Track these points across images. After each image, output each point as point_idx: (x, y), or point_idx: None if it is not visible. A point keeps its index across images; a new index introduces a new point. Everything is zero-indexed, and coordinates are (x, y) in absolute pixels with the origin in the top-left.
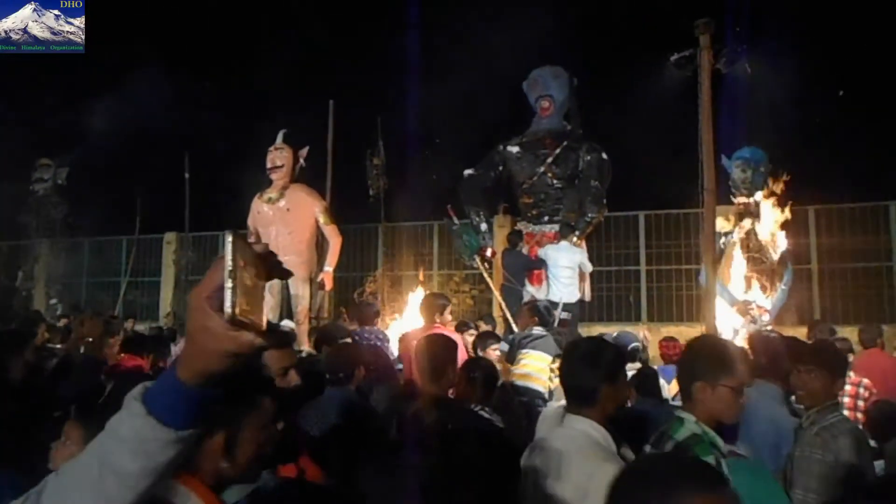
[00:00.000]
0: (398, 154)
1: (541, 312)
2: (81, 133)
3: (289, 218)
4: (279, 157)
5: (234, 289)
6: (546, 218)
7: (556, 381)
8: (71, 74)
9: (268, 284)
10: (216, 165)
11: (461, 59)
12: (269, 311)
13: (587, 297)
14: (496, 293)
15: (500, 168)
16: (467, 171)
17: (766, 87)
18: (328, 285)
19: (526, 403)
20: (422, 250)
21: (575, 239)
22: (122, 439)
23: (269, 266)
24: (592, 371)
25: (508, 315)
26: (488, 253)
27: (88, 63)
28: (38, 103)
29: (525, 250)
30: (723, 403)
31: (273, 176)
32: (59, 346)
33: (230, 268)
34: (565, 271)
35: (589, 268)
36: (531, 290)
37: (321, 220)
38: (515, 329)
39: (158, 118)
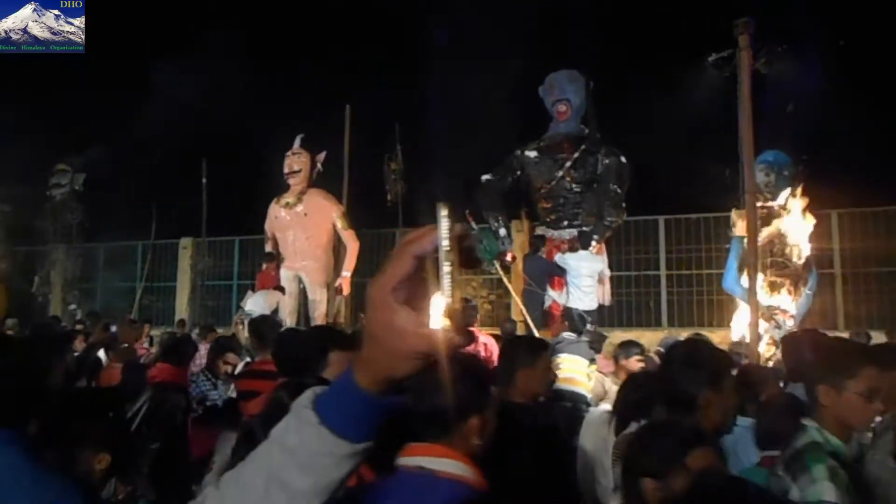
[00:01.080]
0: (415, 158)
1: (573, 319)
2: (98, 138)
3: (306, 222)
4: (297, 161)
5: (451, 274)
6: (565, 223)
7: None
8: (87, 78)
9: (288, 290)
10: (233, 170)
11: (480, 62)
12: (288, 317)
13: (607, 302)
14: (516, 297)
15: (518, 173)
16: (485, 177)
17: (789, 88)
18: (345, 290)
19: (570, 408)
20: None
21: (594, 244)
22: (292, 452)
23: (466, 251)
24: (691, 374)
25: (529, 320)
26: (508, 257)
27: (105, 67)
28: (56, 108)
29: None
30: (850, 408)
31: (290, 181)
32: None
33: (446, 247)
34: (586, 280)
35: (607, 273)
36: (553, 295)
37: (339, 224)
38: (536, 333)
39: (175, 123)
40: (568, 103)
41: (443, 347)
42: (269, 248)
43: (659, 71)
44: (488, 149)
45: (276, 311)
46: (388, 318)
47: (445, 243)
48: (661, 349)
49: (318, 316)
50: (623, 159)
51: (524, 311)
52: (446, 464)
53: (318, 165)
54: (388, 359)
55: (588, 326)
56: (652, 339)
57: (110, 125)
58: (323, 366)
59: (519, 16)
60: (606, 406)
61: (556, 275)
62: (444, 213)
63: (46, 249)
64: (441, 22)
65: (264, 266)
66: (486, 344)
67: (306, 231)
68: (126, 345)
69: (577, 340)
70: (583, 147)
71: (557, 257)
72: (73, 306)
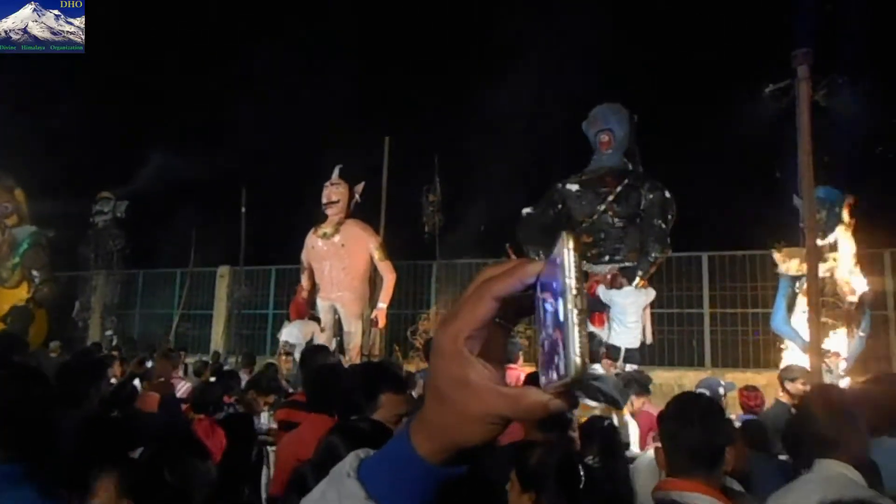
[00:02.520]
0: (453, 191)
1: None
2: (140, 166)
3: (343, 253)
4: (335, 192)
5: (582, 324)
6: (606, 258)
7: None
8: (128, 108)
9: (324, 321)
10: (271, 199)
11: (522, 95)
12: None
13: (649, 340)
14: None
15: (560, 206)
16: (526, 210)
17: (848, 120)
18: (381, 322)
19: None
20: None
21: (638, 280)
22: None
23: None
24: (718, 430)
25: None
26: None
27: (147, 96)
28: (99, 137)
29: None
30: None
31: (328, 211)
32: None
33: (575, 289)
34: (632, 316)
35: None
36: (594, 331)
37: (376, 255)
38: None
39: (216, 151)
40: (611, 133)
41: (533, 411)
42: (304, 278)
43: (705, 103)
44: (528, 181)
45: (310, 342)
46: (462, 374)
47: (574, 283)
48: (705, 390)
49: (353, 348)
50: (668, 194)
51: None
52: (701, 499)
53: (357, 196)
54: (458, 423)
55: (630, 366)
56: (693, 379)
57: (152, 154)
58: (372, 408)
59: (563, 47)
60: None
61: (598, 311)
62: (570, 245)
63: (88, 275)
64: (483, 54)
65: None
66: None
67: (343, 262)
68: (162, 378)
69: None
70: (626, 181)
71: (601, 291)
72: (109, 332)
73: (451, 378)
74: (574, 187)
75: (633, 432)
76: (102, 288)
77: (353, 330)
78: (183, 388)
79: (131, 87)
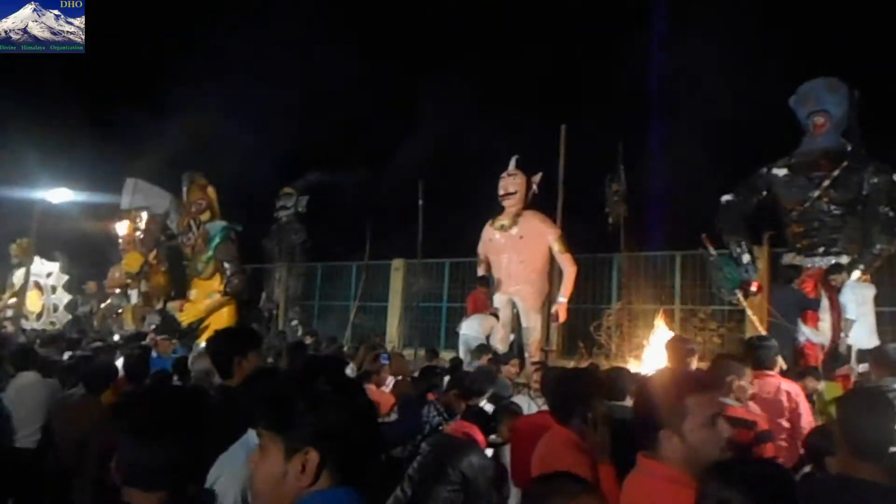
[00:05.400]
0: (637, 180)
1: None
2: (321, 161)
3: (521, 245)
4: (512, 183)
5: None
6: (821, 249)
7: None
8: (316, 106)
9: (502, 316)
10: (446, 192)
11: (712, 73)
12: (500, 343)
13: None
14: (763, 332)
15: (765, 193)
16: (725, 197)
17: None
18: (562, 317)
19: None
20: (662, 282)
21: (859, 274)
22: None
23: None
24: None
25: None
26: (753, 287)
27: (329, 94)
28: (281, 133)
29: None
30: None
31: (505, 202)
32: None
33: None
34: (850, 314)
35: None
36: (806, 332)
37: (555, 248)
38: None
39: (394, 144)
40: (827, 115)
41: None
42: (481, 271)
43: None
44: (721, 167)
45: (489, 337)
46: None
47: None
48: None
49: (533, 343)
50: None
51: None
52: None
53: (534, 187)
54: None
55: (863, 368)
56: None
57: (332, 149)
58: None
59: (761, 14)
60: None
61: (811, 309)
62: None
63: (272, 267)
64: (667, 29)
65: (477, 288)
66: (790, 392)
67: (521, 254)
68: (401, 377)
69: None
70: (844, 164)
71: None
72: (294, 322)
73: None
74: (782, 172)
75: None
76: (285, 280)
77: (533, 325)
78: (390, 383)
79: (316, 84)
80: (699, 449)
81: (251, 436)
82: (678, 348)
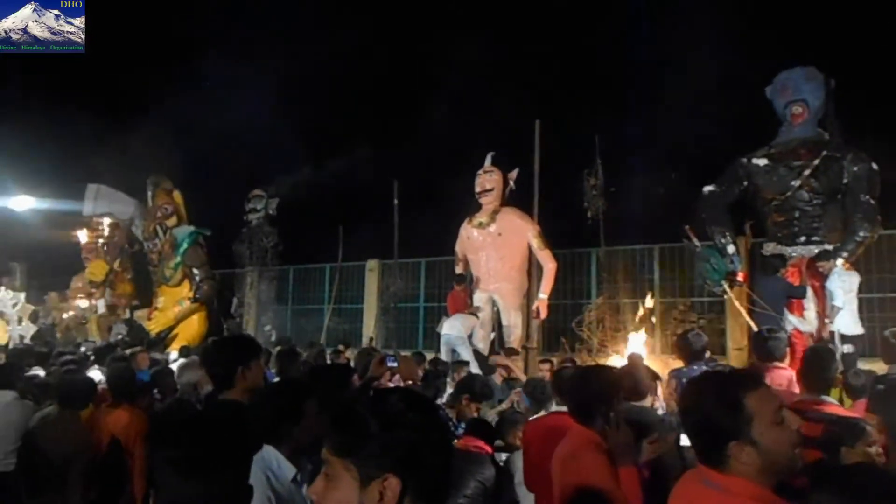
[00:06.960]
0: (614, 173)
1: None
2: (290, 164)
3: (499, 242)
4: (488, 180)
5: None
6: (802, 238)
7: None
8: (285, 107)
9: (480, 315)
10: (422, 191)
11: (688, 63)
12: (481, 342)
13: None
14: (752, 323)
15: (745, 183)
16: (707, 188)
17: None
18: (543, 313)
19: None
20: (641, 276)
21: (841, 262)
22: None
23: None
24: None
25: None
26: (739, 278)
27: (306, 95)
28: (250, 136)
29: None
30: None
31: (483, 200)
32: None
33: None
34: (836, 301)
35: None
36: (793, 321)
37: (534, 244)
38: None
39: (364, 143)
40: (804, 104)
41: None
42: (459, 269)
43: None
44: (699, 158)
45: (470, 336)
46: None
47: None
48: None
49: (515, 341)
50: (874, 166)
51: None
52: None
53: (511, 183)
54: None
55: (847, 349)
56: None
57: (302, 150)
58: None
59: (737, 4)
60: None
61: (797, 297)
62: None
63: (243, 272)
64: (641, 18)
65: (455, 287)
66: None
67: (500, 251)
68: (410, 382)
69: None
70: (824, 153)
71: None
72: (267, 327)
73: None
74: (762, 162)
75: None
76: (257, 284)
77: (513, 323)
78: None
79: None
80: (775, 452)
81: (267, 452)
82: (694, 342)
